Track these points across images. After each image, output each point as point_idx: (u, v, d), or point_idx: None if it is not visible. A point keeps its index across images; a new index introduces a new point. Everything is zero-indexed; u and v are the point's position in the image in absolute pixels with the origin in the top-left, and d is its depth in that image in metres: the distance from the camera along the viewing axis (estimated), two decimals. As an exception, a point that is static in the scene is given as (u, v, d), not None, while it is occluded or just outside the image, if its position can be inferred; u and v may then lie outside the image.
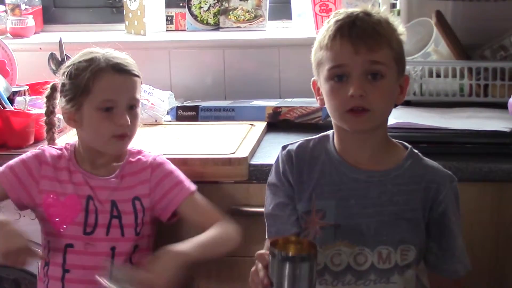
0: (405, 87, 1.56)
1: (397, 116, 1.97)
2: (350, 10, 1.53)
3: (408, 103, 2.23)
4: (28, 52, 2.58)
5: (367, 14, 1.50)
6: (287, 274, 1.39)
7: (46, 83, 1.92)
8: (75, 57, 1.80)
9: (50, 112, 1.91)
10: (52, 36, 2.68)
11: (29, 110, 2.12)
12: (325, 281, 1.56)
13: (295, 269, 1.39)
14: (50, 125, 1.93)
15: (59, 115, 1.91)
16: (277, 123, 2.27)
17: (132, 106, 1.79)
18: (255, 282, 1.45)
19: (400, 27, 1.54)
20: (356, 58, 1.47)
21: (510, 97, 2.06)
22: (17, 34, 2.71)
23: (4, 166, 1.84)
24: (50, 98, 1.88)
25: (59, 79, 1.83)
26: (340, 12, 1.53)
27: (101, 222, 1.79)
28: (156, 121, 2.29)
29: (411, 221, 1.53)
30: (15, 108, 2.13)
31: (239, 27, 2.70)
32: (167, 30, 2.76)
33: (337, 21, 1.50)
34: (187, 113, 2.34)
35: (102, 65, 1.75)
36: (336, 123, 1.56)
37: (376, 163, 1.55)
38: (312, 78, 1.59)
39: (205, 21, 2.73)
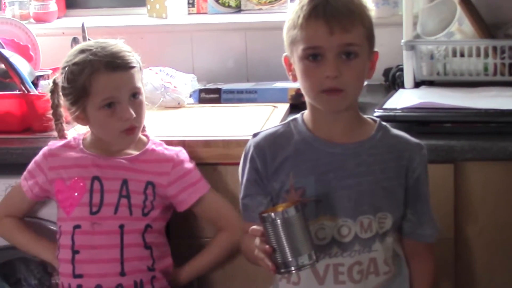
0: (375, 62, 1.57)
1: (421, 96, 1.96)
2: None
3: (431, 83, 2.22)
4: (51, 37, 2.59)
5: None
6: (282, 229, 1.43)
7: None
8: (69, 57, 1.78)
9: (56, 106, 1.89)
10: (75, 20, 2.68)
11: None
12: None
13: (287, 222, 1.43)
14: (57, 117, 1.91)
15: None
16: (300, 104, 2.26)
17: (134, 95, 1.78)
18: (259, 256, 1.46)
19: (369, 3, 1.55)
20: (331, 39, 1.48)
21: (535, 75, 2.04)
22: (40, 19, 2.73)
23: (24, 172, 1.89)
24: (54, 92, 1.87)
25: (59, 78, 1.82)
26: None
27: (109, 201, 1.79)
28: (178, 103, 2.29)
29: (387, 189, 1.56)
30: (39, 92, 2.14)
31: (260, 9, 2.69)
32: (188, 13, 2.75)
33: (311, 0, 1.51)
34: (209, 96, 2.34)
35: (96, 66, 1.73)
36: (310, 102, 1.57)
37: (349, 137, 1.58)
38: (284, 54, 1.59)
39: (226, 4, 2.73)
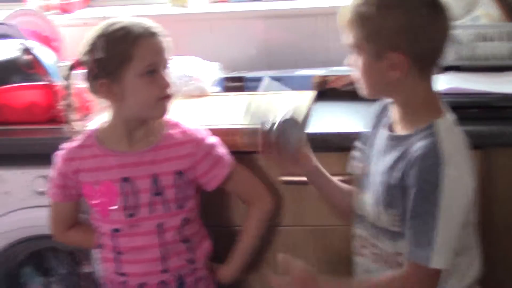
0: (395, 65, 1.52)
1: (448, 82, 1.94)
2: None
3: (457, 68, 2.20)
4: (74, 28, 2.60)
5: None
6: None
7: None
8: (99, 31, 1.73)
9: (69, 94, 1.84)
10: (97, 11, 2.69)
11: (76, 84, 2.14)
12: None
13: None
14: (70, 107, 1.84)
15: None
16: (325, 91, 2.25)
17: (166, 68, 1.76)
18: None
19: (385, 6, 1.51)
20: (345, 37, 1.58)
21: (562, 59, 2.02)
22: (63, 10, 2.73)
23: (49, 181, 1.87)
24: (68, 79, 1.82)
25: (85, 56, 1.74)
26: None
27: (142, 202, 1.77)
28: (203, 92, 2.29)
29: (395, 188, 1.56)
30: (63, 83, 2.14)
31: (281, -4, 2.68)
32: (210, 2, 2.75)
33: None
34: (233, 84, 2.34)
35: (139, 31, 1.71)
36: None
37: (401, 127, 1.59)
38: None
39: (247, -8, 2.72)
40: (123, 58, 1.70)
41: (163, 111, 1.77)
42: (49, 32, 2.50)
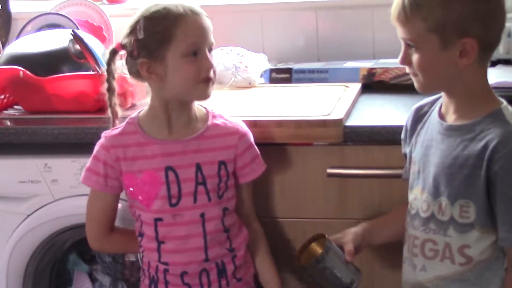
0: (467, 51, 1.50)
1: (498, 75, 1.91)
2: None
3: (508, 62, 2.17)
4: (123, 18, 2.59)
5: None
6: (324, 272, 1.68)
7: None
8: (139, 14, 1.73)
9: (110, 78, 1.81)
10: (146, 1, 2.69)
11: (125, 74, 2.16)
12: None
13: (325, 265, 1.68)
14: (112, 91, 1.82)
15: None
16: (372, 84, 2.24)
17: (210, 50, 1.75)
18: None
19: None
20: (399, 31, 1.56)
21: None
22: (113, 0, 2.75)
23: (84, 170, 1.82)
24: (110, 63, 1.80)
25: (126, 39, 1.73)
26: None
27: (186, 191, 1.76)
28: (250, 83, 2.29)
29: (467, 176, 1.54)
30: (113, 73, 2.16)
31: (331, -13, 2.66)
32: (259, -8, 2.75)
33: None
34: (280, 76, 2.33)
35: (180, 11, 1.70)
36: None
37: (458, 118, 1.58)
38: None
39: (297, -17, 2.71)
40: (164, 37, 1.69)
41: (205, 93, 1.75)
42: (99, 22, 2.53)
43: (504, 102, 1.57)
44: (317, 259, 1.68)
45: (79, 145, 2.00)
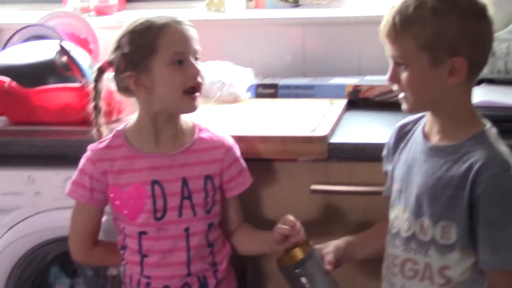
0: (457, 69, 1.51)
1: (482, 94, 1.92)
2: None
3: (492, 81, 2.18)
4: (111, 30, 2.60)
5: (404, 3, 1.52)
6: (301, 278, 1.68)
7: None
8: (124, 28, 1.74)
9: (97, 97, 1.82)
10: (134, 14, 2.69)
11: (112, 88, 2.15)
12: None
13: (304, 271, 1.67)
14: (98, 110, 1.83)
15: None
16: (357, 101, 2.25)
17: (196, 58, 1.75)
18: None
19: (443, 10, 1.49)
20: (389, 49, 1.55)
21: None
22: (100, 12, 2.75)
23: (70, 183, 1.83)
24: (98, 81, 1.81)
25: (112, 55, 1.75)
26: None
27: (172, 205, 1.76)
28: (235, 98, 2.30)
29: (450, 197, 1.54)
30: (98, 85, 2.16)
31: (318, 4, 2.68)
32: (247, 8, 2.76)
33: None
34: (266, 91, 2.34)
35: (163, 21, 1.71)
36: None
37: (443, 138, 1.58)
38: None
39: (284, -2, 2.72)
40: (149, 48, 1.70)
41: (192, 106, 1.75)
42: (86, 34, 2.53)
43: (488, 124, 1.58)
44: (296, 264, 1.67)
45: (63, 157, 2.00)
